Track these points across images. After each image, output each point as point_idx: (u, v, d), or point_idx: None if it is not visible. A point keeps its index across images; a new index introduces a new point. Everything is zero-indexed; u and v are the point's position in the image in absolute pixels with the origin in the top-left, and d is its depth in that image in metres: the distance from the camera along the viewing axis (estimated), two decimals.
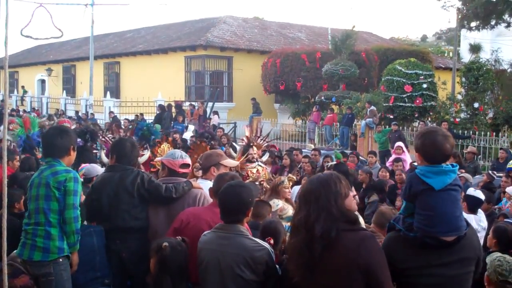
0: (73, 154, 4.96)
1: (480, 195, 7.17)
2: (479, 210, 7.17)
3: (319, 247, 3.23)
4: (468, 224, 3.50)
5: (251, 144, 8.50)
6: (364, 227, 4.07)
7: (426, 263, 3.39)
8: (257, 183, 7.49)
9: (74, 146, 5.00)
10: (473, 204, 7.03)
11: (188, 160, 5.54)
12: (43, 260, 4.65)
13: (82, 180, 5.10)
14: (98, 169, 7.57)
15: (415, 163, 10.21)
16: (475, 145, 18.40)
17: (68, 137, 4.96)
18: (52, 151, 4.87)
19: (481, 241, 4.76)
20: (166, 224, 5.00)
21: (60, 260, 4.69)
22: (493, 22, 26.15)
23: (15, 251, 4.93)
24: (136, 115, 25.86)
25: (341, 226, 3.26)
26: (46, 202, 4.68)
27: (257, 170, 8.07)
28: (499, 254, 4.36)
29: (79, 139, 14.79)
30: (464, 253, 3.44)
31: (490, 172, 11.61)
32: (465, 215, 3.98)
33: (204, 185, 5.46)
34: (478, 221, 6.88)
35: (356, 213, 3.73)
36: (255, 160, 8.30)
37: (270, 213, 5.46)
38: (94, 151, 11.58)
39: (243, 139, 8.88)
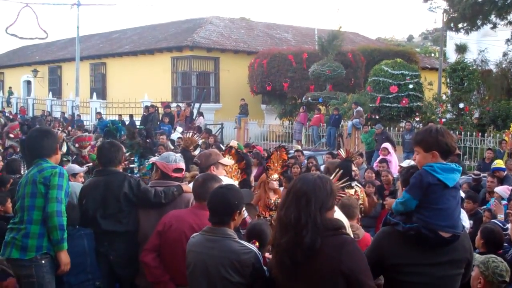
0: (59, 153, 5.04)
1: (461, 193, 7.20)
2: (461, 210, 7.20)
3: (302, 257, 3.21)
4: (463, 226, 3.54)
5: (352, 159, 7.52)
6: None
7: (416, 261, 3.40)
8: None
9: (59, 145, 5.07)
10: None
11: (182, 164, 5.52)
12: (21, 258, 4.63)
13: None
14: (75, 168, 7.65)
15: (403, 164, 10.26)
16: (461, 146, 18.51)
17: (53, 137, 5.09)
18: (40, 152, 4.94)
19: None
20: None
21: (43, 261, 4.65)
22: (479, 23, 26.26)
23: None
24: (119, 115, 25.69)
25: (323, 234, 3.24)
26: (31, 199, 4.71)
27: (355, 192, 7.07)
28: (488, 255, 4.38)
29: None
30: (456, 254, 3.46)
31: (472, 175, 11.51)
32: None
33: None
34: None
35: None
36: (356, 178, 7.39)
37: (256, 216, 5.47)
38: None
39: (228, 146, 7.90)
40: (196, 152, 10.82)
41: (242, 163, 6.82)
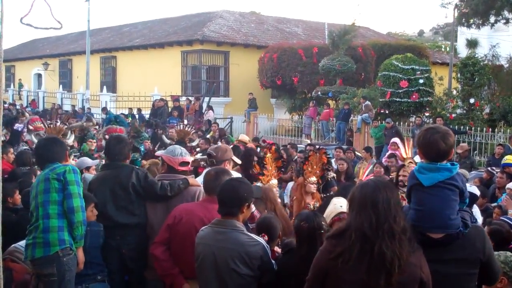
0: (69, 161, 5.21)
1: (476, 190, 7.15)
2: (474, 206, 7.16)
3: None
4: (467, 226, 3.43)
5: (404, 163, 7.25)
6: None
7: None
8: None
9: (68, 152, 5.22)
10: (469, 200, 7.02)
11: (188, 158, 5.57)
12: (45, 255, 4.67)
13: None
14: (88, 161, 7.73)
15: (415, 159, 10.23)
16: (471, 141, 18.43)
17: (61, 144, 5.24)
18: (49, 157, 5.02)
19: None
20: (164, 220, 4.99)
21: (64, 259, 4.69)
22: (492, 19, 26.04)
23: (12, 245, 5.00)
24: (130, 109, 25.72)
25: None
26: (45, 195, 4.77)
27: (401, 197, 6.96)
28: (508, 254, 4.33)
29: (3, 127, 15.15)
30: (462, 253, 3.38)
31: (489, 169, 11.53)
32: None
33: None
34: None
35: None
36: (402, 183, 7.09)
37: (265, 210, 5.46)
38: None
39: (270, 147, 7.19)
40: (194, 144, 10.87)
41: (280, 162, 6.74)
